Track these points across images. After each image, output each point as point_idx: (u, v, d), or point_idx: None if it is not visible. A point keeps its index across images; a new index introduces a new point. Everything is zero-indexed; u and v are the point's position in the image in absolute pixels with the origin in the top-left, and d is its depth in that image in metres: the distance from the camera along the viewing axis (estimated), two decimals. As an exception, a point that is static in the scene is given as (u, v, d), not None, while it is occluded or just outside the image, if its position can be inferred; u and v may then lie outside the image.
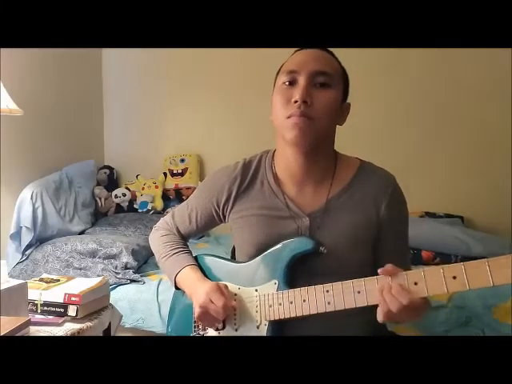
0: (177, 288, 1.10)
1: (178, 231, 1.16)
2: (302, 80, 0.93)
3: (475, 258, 2.15)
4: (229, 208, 1.06)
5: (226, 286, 0.99)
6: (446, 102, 2.60)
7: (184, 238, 1.17)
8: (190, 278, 1.04)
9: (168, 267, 1.11)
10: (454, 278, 0.75)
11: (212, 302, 0.94)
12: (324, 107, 0.92)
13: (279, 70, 1.00)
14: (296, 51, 1.00)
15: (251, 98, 2.85)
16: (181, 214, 1.16)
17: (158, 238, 1.16)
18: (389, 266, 0.83)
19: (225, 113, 2.91)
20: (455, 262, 2.05)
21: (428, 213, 2.46)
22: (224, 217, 1.09)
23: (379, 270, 0.83)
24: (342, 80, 0.98)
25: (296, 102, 0.91)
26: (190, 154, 2.94)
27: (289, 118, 0.92)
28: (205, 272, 1.07)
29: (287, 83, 0.95)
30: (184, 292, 1.08)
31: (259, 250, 1.00)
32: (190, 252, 1.13)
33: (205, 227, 1.15)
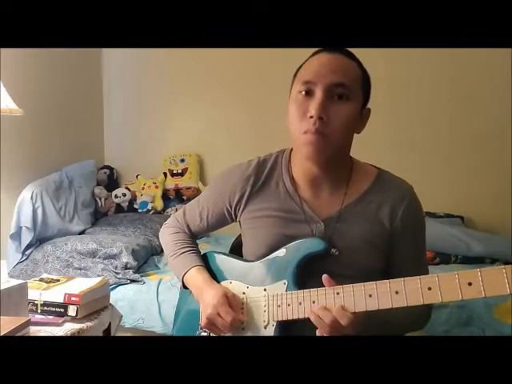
0: (185, 287, 1.10)
1: (189, 229, 1.16)
2: (318, 93, 0.90)
3: (475, 258, 2.16)
4: (241, 207, 1.05)
5: (234, 296, 0.98)
6: (446, 103, 2.60)
7: (194, 236, 1.17)
8: (196, 280, 1.04)
9: (176, 266, 1.11)
10: (470, 284, 0.73)
11: (219, 315, 0.94)
12: (340, 122, 0.90)
13: (295, 73, 0.98)
14: (313, 54, 0.96)
15: (251, 98, 2.86)
16: (192, 212, 1.15)
17: (168, 236, 1.16)
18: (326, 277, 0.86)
19: (225, 113, 2.91)
20: (455, 261, 2.06)
21: (428, 213, 2.46)
22: (236, 216, 1.08)
23: (324, 277, 0.86)
24: (361, 87, 0.94)
25: (311, 117, 0.89)
26: (190, 153, 2.94)
27: (304, 133, 0.90)
28: (213, 270, 1.07)
29: (303, 93, 0.92)
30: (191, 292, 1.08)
31: (270, 252, 0.99)
32: (198, 252, 1.13)
33: (215, 226, 1.14)
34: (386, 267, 0.99)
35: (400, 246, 0.98)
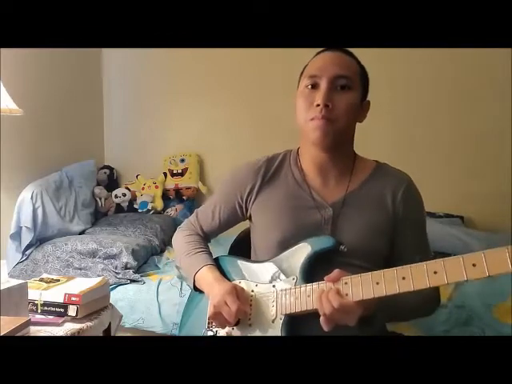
0: (195, 289, 1.12)
1: (202, 230, 1.19)
2: (323, 84, 0.98)
3: (475, 258, 2.11)
4: (252, 198, 1.09)
5: (243, 289, 1.01)
6: (446, 102, 2.60)
7: (207, 238, 1.20)
8: (207, 278, 1.06)
9: (188, 266, 1.13)
10: (474, 265, 0.74)
11: (226, 304, 0.96)
12: (344, 109, 0.98)
13: (302, 72, 1.05)
14: (317, 54, 1.04)
15: (251, 98, 2.85)
16: (204, 213, 1.19)
17: (182, 238, 1.19)
18: (334, 273, 0.88)
19: (225, 113, 2.91)
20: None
21: (428, 213, 2.45)
22: (246, 210, 1.11)
23: (326, 278, 0.89)
24: (361, 80, 1.02)
25: (318, 105, 0.97)
26: (190, 153, 2.94)
27: (311, 120, 0.98)
28: (225, 272, 1.09)
29: (309, 87, 1.00)
30: (201, 292, 1.10)
31: (281, 240, 1.02)
32: (209, 253, 1.15)
33: (227, 223, 1.16)
34: (390, 252, 1.03)
35: (402, 229, 1.03)
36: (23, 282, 1.20)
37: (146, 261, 2.17)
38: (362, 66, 1.04)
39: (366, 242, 1.00)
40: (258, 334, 0.97)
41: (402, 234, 1.03)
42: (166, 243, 2.38)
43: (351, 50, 1.04)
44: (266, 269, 1.03)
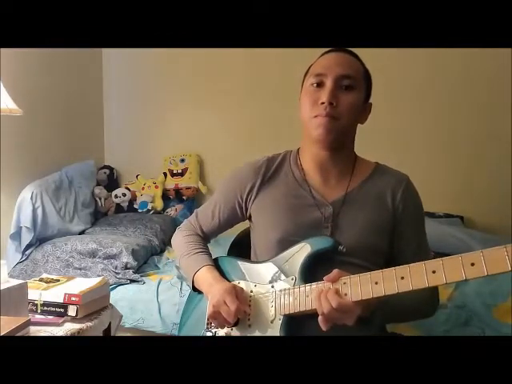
0: (194, 289, 1.12)
1: (202, 231, 1.19)
2: (328, 83, 0.99)
3: (475, 258, 2.11)
4: (252, 198, 1.10)
5: (242, 289, 1.01)
6: (446, 103, 2.60)
7: (206, 239, 1.20)
8: (207, 278, 1.07)
9: (187, 266, 1.14)
10: (473, 264, 0.74)
11: (225, 303, 0.96)
12: (347, 108, 0.99)
13: (307, 71, 1.07)
14: (323, 54, 1.06)
15: (251, 98, 2.86)
16: (204, 213, 1.19)
17: (181, 238, 1.19)
18: (333, 273, 0.88)
19: (225, 113, 2.91)
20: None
21: (428, 213, 2.45)
22: (246, 209, 1.12)
23: (325, 278, 0.88)
24: (364, 81, 1.04)
25: (323, 103, 0.98)
26: (190, 153, 2.94)
27: (315, 117, 0.99)
28: (224, 272, 1.10)
29: (315, 85, 1.01)
30: (200, 293, 1.10)
31: (281, 239, 1.03)
32: (209, 253, 1.16)
33: (227, 222, 1.17)
34: (389, 251, 1.04)
35: (402, 227, 1.04)
36: (23, 281, 1.20)
37: (145, 261, 2.17)
38: (365, 68, 1.05)
39: (366, 240, 1.00)
40: (257, 334, 0.97)
41: (401, 232, 1.04)
42: (166, 243, 2.38)
43: (349, 50, 1.04)
44: (266, 269, 1.03)
